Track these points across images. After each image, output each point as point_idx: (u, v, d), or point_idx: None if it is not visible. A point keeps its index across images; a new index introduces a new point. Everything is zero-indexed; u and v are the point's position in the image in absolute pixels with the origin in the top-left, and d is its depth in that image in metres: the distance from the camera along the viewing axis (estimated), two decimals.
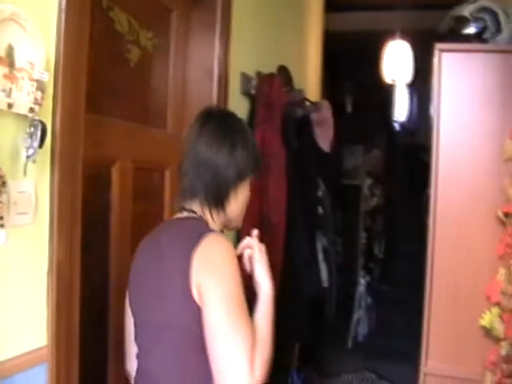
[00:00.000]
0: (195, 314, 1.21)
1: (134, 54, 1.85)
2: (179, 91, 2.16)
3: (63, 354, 1.30)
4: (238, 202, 1.42)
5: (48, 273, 1.27)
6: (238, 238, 2.06)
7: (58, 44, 1.26)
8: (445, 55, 2.05)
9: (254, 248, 1.39)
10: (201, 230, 1.30)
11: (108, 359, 1.76)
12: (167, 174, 2.09)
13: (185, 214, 1.39)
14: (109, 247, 1.75)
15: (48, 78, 1.18)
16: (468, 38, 2.12)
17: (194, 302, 1.21)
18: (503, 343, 1.91)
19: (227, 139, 1.36)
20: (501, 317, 1.93)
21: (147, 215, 1.96)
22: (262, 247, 1.39)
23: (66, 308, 1.30)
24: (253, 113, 2.49)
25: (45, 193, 1.26)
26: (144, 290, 1.35)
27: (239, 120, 1.48)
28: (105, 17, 1.69)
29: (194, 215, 1.37)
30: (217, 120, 1.40)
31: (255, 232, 1.41)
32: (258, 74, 2.60)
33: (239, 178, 1.38)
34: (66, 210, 1.29)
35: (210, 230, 1.30)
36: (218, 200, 1.37)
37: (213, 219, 1.38)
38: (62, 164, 1.27)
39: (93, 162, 1.62)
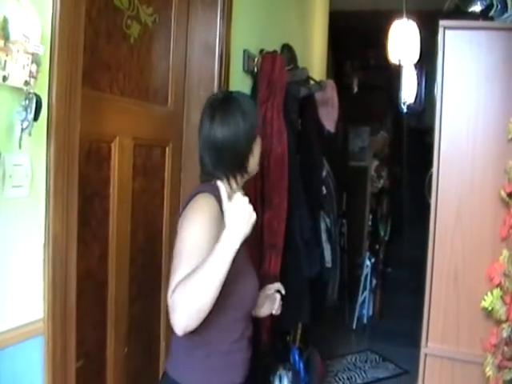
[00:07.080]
0: None
1: (134, 30, 1.83)
2: (180, 68, 2.14)
3: (59, 327, 1.31)
4: (254, 158, 1.63)
5: (44, 246, 1.28)
6: None
7: (53, 18, 1.25)
8: (449, 32, 2.01)
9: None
10: (198, 191, 1.53)
11: (107, 334, 1.78)
12: (168, 150, 2.09)
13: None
14: (108, 222, 1.76)
15: (44, 51, 1.18)
16: (474, 16, 2.08)
17: None
18: (505, 325, 1.89)
19: (230, 121, 1.56)
20: (502, 299, 1.91)
21: (147, 191, 1.97)
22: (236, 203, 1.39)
23: (62, 281, 1.31)
24: (255, 91, 2.47)
25: (41, 166, 1.26)
26: None
27: (235, 98, 1.62)
28: None
29: (211, 181, 1.56)
30: (220, 110, 1.57)
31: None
32: (262, 51, 2.57)
33: (251, 142, 1.59)
34: (62, 184, 1.29)
35: (204, 191, 1.52)
36: (241, 169, 1.60)
37: (237, 182, 1.60)
38: (58, 137, 1.27)
39: (92, 138, 1.63)
